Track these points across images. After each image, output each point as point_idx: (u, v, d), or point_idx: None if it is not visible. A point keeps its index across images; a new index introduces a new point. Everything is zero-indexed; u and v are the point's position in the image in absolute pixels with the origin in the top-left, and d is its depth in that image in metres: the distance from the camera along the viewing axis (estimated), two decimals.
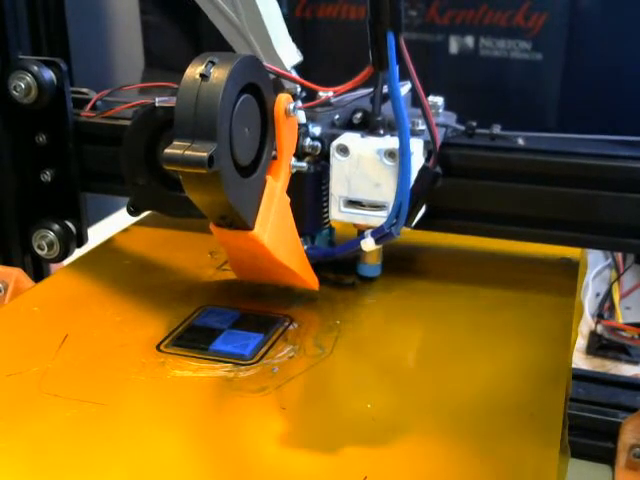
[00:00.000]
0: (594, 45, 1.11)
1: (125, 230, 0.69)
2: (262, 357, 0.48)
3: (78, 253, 0.65)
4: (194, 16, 1.13)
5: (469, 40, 1.17)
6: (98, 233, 0.73)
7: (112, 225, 0.78)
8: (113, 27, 1.33)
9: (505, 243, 0.65)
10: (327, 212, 0.55)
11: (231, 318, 0.52)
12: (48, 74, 0.62)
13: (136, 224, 0.70)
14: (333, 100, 0.55)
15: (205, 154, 0.41)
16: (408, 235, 0.55)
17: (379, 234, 0.52)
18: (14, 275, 0.61)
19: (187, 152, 0.42)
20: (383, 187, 0.52)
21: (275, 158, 0.49)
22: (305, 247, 0.54)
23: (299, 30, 1.21)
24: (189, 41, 1.28)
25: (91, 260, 0.63)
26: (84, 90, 0.66)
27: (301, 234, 0.53)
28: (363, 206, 0.54)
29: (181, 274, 0.60)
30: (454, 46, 1.18)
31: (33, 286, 0.61)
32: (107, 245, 0.66)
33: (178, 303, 0.54)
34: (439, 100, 0.59)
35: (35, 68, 0.61)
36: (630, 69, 1.09)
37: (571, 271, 0.61)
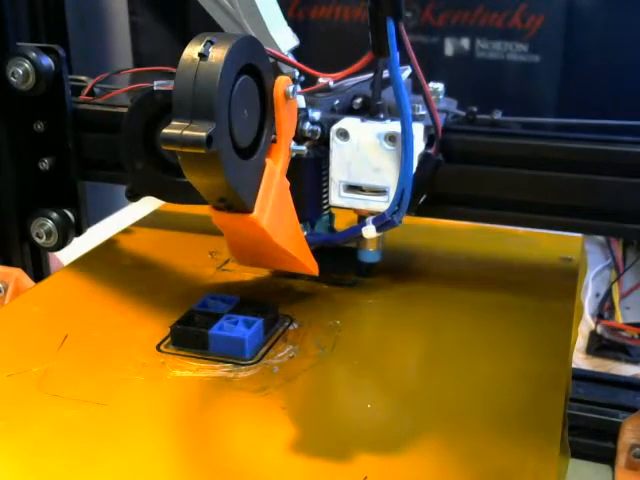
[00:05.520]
0: (591, 47, 1.12)
1: (125, 230, 0.69)
2: (262, 357, 0.48)
3: (78, 253, 0.64)
4: (184, 17, 1.13)
5: (465, 42, 1.17)
6: (98, 233, 0.73)
7: (112, 225, 0.78)
8: (113, 18, 1.33)
9: (505, 242, 0.65)
10: (327, 198, 0.55)
11: (230, 303, 0.51)
12: (46, 60, 0.62)
13: (136, 224, 0.70)
14: (333, 85, 0.55)
15: (204, 134, 0.41)
16: (408, 234, 0.55)
17: (380, 222, 0.52)
18: (14, 275, 0.61)
19: (185, 132, 0.41)
20: (383, 171, 0.52)
21: (274, 141, 0.49)
22: (305, 233, 0.54)
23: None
24: (179, 43, 1.28)
25: (91, 260, 0.63)
26: (82, 78, 0.66)
27: (301, 220, 0.53)
28: (363, 191, 0.54)
29: (181, 274, 0.60)
30: (450, 48, 1.18)
31: (33, 286, 0.61)
32: (107, 245, 0.66)
33: (178, 303, 0.54)
34: (440, 86, 0.59)
35: (33, 54, 0.61)
36: (628, 71, 1.09)
37: (571, 271, 0.61)
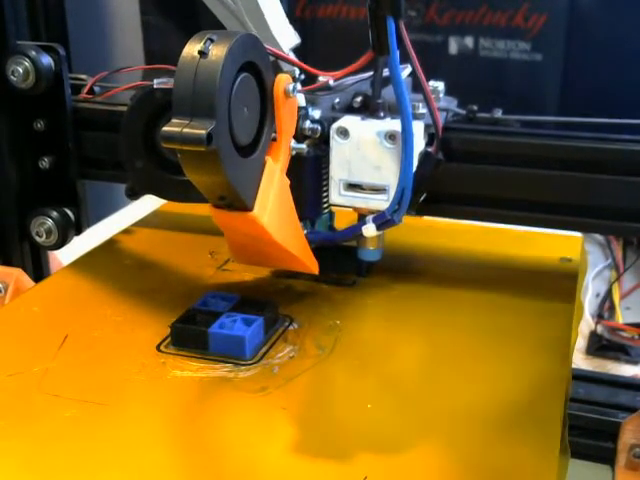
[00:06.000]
0: (593, 46, 1.12)
1: (125, 230, 0.69)
2: (262, 357, 0.48)
3: (79, 253, 0.64)
4: (195, 16, 1.13)
5: (468, 41, 1.17)
6: (98, 233, 0.73)
7: (112, 225, 0.78)
8: (113, 16, 1.33)
9: (505, 243, 0.65)
10: (327, 196, 0.55)
11: (230, 302, 0.51)
12: (46, 59, 0.61)
13: (136, 224, 0.70)
14: (333, 84, 0.55)
15: (204, 131, 0.41)
16: (409, 234, 0.55)
17: (381, 220, 0.52)
18: (14, 275, 0.61)
19: (185, 130, 0.41)
20: (383, 170, 0.52)
21: (275, 140, 0.49)
22: (305, 231, 0.54)
23: (299, 30, 1.21)
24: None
25: (91, 260, 0.63)
26: (82, 76, 0.66)
27: (301, 218, 0.53)
28: (363, 189, 0.54)
29: (181, 274, 0.60)
30: (453, 47, 1.18)
31: (33, 286, 0.61)
32: (107, 245, 0.66)
33: (178, 303, 0.54)
34: (440, 85, 0.59)
35: (33, 53, 0.61)
36: (629, 70, 1.09)
37: (571, 271, 0.61)
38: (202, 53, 0.42)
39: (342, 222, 0.58)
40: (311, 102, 0.54)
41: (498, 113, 0.59)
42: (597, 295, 0.99)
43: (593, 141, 0.55)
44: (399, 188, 0.51)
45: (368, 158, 0.52)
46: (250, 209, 0.47)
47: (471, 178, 0.57)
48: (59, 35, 1.04)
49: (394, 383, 0.47)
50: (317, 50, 1.20)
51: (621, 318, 0.93)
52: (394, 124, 0.52)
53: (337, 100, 0.57)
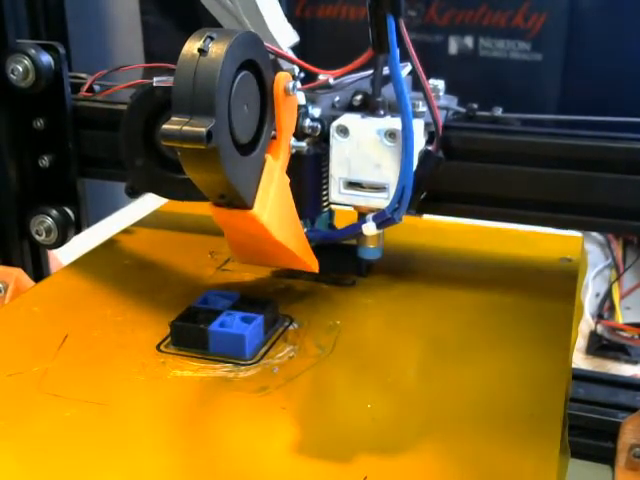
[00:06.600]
0: (593, 46, 1.12)
1: (125, 230, 0.69)
2: (262, 357, 0.48)
3: (79, 252, 0.64)
4: (195, 15, 1.13)
5: (468, 41, 1.17)
6: (99, 233, 0.73)
7: (112, 225, 0.78)
8: (113, 16, 1.33)
9: (505, 243, 0.65)
10: (327, 194, 0.55)
11: (230, 300, 0.51)
12: (46, 57, 0.61)
13: (136, 224, 0.70)
14: (333, 82, 0.55)
15: (203, 129, 0.41)
16: (408, 233, 0.55)
17: (381, 219, 0.52)
18: (14, 275, 0.61)
19: (185, 127, 0.41)
20: (383, 168, 0.52)
21: (274, 138, 0.49)
22: (305, 230, 0.54)
23: (298, 30, 1.21)
24: None
25: (91, 260, 0.63)
26: (82, 75, 0.66)
27: (301, 217, 0.53)
28: (363, 188, 0.54)
29: (181, 274, 0.60)
30: (453, 47, 1.18)
31: (33, 286, 0.61)
32: (107, 245, 0.66)
33: (178, 303, 0.54)
34: (440, 83, 0.59)
35: (33, 51, 0.61)
36: (630, 70, 1.09)
37: (571, 271, 0.61)
38: (202, 51, 0.42)
39: (342, 221, 0.58)
40: (311, 100, 0.54)
41: (498, 111, 0.59)
42: (597, 295, 0.99)
43: (593, 139, 0.55)
44: (399, 186, 0.51)
45: (368, 156, 0.52)
46: (250, 207, 0.47)
47: (471, 176, 0.57)
48: (59, 34, 1.05)
49: (394, 383, 0.47)
50: (317, 50, 1.20)
51: (621, 318, 0.93)
52: (394, 122, 0.52)
53: (337, 98, 0.57)
